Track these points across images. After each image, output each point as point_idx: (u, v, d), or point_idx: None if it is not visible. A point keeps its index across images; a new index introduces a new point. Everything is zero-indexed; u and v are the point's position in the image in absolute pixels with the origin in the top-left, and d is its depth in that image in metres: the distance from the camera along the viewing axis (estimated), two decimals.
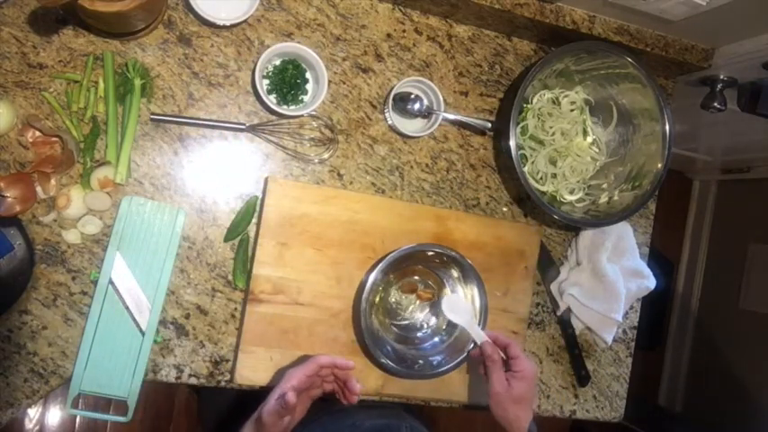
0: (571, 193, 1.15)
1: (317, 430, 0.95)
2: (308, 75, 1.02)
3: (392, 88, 1.05)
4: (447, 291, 1.04)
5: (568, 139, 1.15)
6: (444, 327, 1.05)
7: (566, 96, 1.16)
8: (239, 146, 1.00)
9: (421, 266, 1.04)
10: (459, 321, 0.99)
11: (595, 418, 1.19)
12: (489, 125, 1.07)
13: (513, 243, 1.09)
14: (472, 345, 0.99)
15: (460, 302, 1.01)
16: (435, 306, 1.06)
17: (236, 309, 0.98)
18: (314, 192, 0.99)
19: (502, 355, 0.93)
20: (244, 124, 0.99)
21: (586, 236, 1.13)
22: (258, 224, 0.98)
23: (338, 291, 0.99)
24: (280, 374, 0.94)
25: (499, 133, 1.07)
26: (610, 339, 1.13)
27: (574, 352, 1.15)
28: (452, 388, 1.05)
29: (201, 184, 0.98)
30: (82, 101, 0.92)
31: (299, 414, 0.86)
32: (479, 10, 1.05)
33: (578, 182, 1.16)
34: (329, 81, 1.02)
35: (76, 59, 0.93)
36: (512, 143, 1.00)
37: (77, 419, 1.83)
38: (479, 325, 1.01)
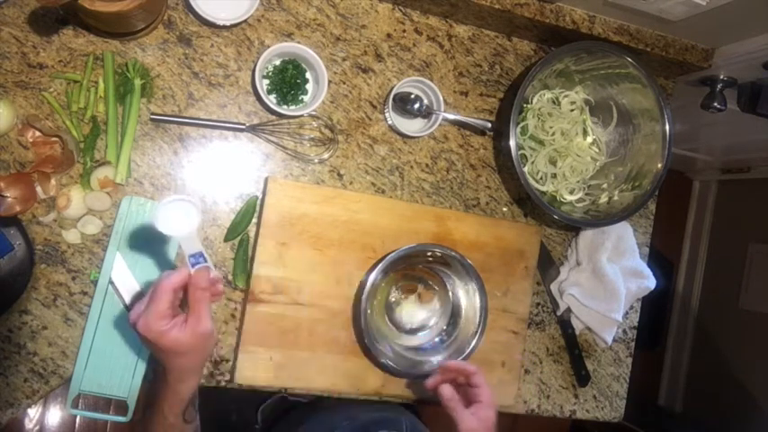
0: (571, 193, 1.15)
1: (315, 425, 0.96)
2: (308, 75, 1.02)
3: (392, 88, 1.05)
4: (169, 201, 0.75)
5: (568, 139, 1.15)
6: (445, 327, 1.05)
7: (566, 96, 1.16)
8: (239, 146, 1.00)
9: (421, 266, 1.04)
10: (175, 234, 0.73)
11: (595, 418, 1.19)
12: (489, 125, 1.07)
13: (513, 243, 1.09)
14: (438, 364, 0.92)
15: (176, 212, 0.74)
16: (435, 306, 1.06)
17: (236, 309, 0.98)
18: (314, 192, 0.99)
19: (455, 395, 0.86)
20: (244, 124, 0.99)
21: (586, 236, 1.13)
22: (258, 224, 0.98)
23: (338, 291, 0.99)
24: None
25: (499, 133, 1.07)
26: (610, 339, 1.13)
27: (574, 352, 1.15)
28: None
29: (201, 185, 0.98)
30: (82, 101, 0.92)
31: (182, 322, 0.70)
32: (479, 10, 1.05)
33: (578, 182, 1.16)
34: (329, 81, 1.02)
35: (76, 59, 0.93)
36: (512, 143, 1.00)
37: (77, 419, 1.83)
38: (478, 328, 1.01)
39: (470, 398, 0.86)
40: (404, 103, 1.05)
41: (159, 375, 0.74)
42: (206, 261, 0.72)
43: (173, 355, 0.70)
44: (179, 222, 0.73)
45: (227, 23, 0.95)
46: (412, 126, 1.08)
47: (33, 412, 1.80)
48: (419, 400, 1.06)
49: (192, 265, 0.72)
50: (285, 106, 1.00)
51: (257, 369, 0.95)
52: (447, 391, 0.86)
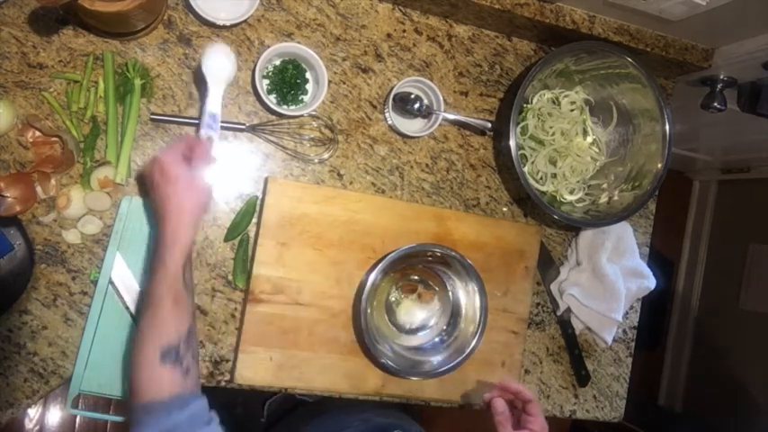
0: (571, 193, 1.15)
1: (329, 422, 0.96)
2: (308, 75, 1.02)
3: (392, 88, 1.05)
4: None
5: (568, 139, 1.15)
6: (445, 327, 1.05)
7: (566, 96, 1.16)
8: (239, 146, 1.00)
9: (421, 266, 1.04)
10: (217, 80, 0.90)
11: (595, 418, 1.19)
12: (489, 125, 1.07)
13: (513, 243, 1.09)
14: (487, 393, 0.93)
15: (224, 59, 0.91)
16: (435, 306, 1.06)
17: (236, 309, 0.98)
18: (314, 192, 0.99)
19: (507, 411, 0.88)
20: (244, 124, 0.99)
21: (586, 236, 1.13)
22: (258, 224, 0.98)
23: (338, 291, 0.99)
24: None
25: (499, 133, 1.07)
26: (610, 339, 1.13)
27: (574, 352, 1.15)
28: (452, 388, 1.05)
29: None
30: (82, 101, 0.92)
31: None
32: (479, 10, 1.05)
33: (578, 182, 1.16)
34: (329, 81, 1.02)
35: (76, 59, 0.93)
36: (512, 143, 1.00)
37: (77, 419, 1.83)
38: (478, 328, 1.01)
39: (522, 423, 0.88)
40: (404, 103, 1.05)
41: (159, 233, 0.79)
42: (218, 129, 0.89)
43: (176, 188, 0.78)
44: (218, 71, 0.89)
45: (227, 23, 0.95)
46: (412, 126, 1.08)
47: (33, 412, 1.80)
48: (420, 401, 1.06)
49: (207, 126, 0.88)
50: (285, 106, 1.00)
51: (257, 369, 0.95)
52: (500, 404, 0.88)
